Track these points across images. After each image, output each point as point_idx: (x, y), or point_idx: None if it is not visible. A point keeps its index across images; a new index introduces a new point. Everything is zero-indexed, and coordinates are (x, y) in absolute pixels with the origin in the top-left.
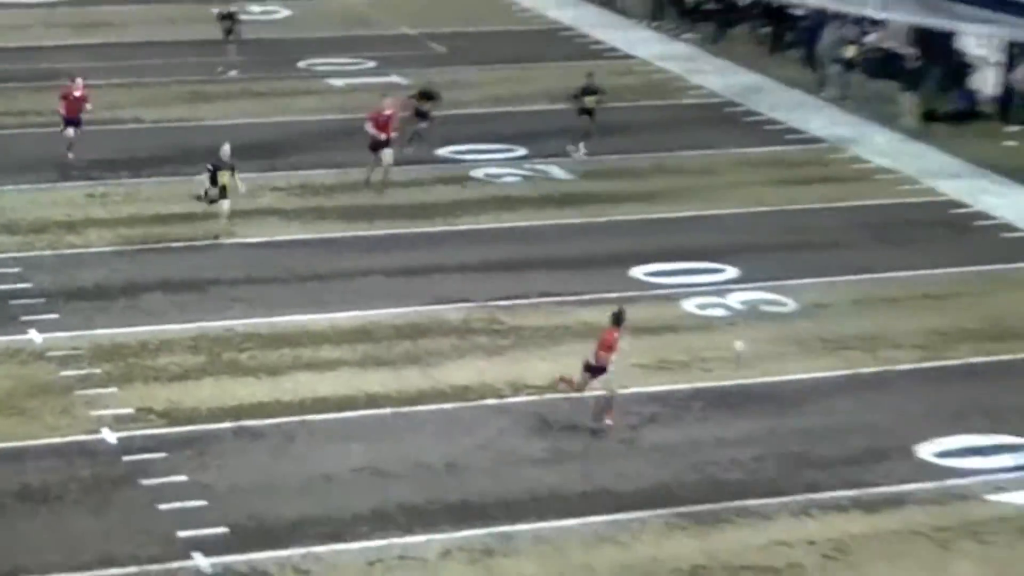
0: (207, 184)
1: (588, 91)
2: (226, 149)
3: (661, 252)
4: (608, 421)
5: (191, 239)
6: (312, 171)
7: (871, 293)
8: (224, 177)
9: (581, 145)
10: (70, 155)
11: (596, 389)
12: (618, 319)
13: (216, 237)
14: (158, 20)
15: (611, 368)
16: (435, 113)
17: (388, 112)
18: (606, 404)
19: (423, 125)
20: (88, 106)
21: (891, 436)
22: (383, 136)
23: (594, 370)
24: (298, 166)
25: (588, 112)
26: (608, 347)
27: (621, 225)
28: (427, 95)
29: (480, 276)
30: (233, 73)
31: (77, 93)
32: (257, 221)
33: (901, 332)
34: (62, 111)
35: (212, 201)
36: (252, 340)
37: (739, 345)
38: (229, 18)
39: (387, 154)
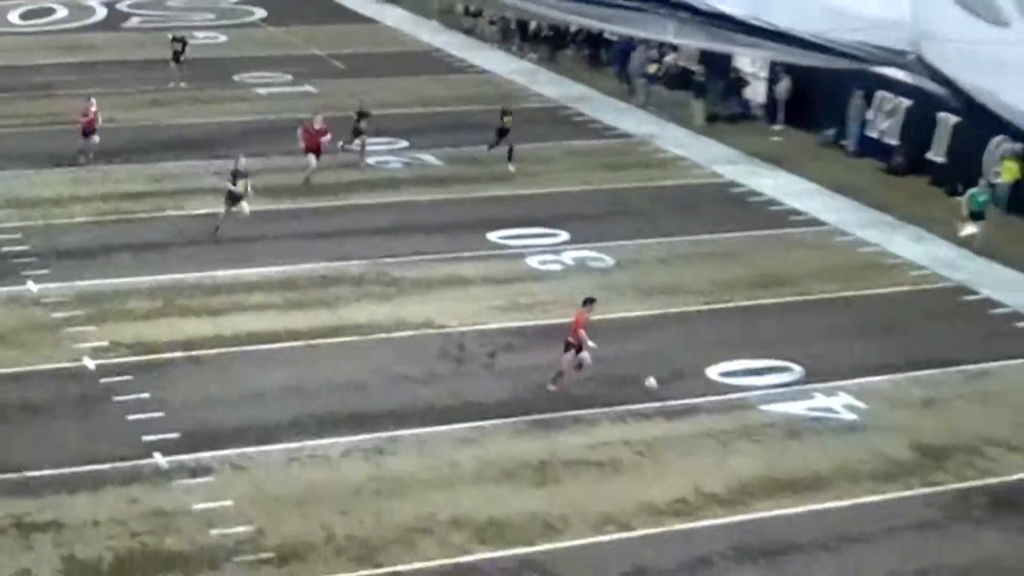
0: (230, 186)
1: (505, 112)
2: (243, 161)
3: (510, 220)
4: (552, 387)
5: (150, 211)
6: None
7: (671, 252)
8: (240, 184)
9: (510, 166)
10: (82, 159)
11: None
12: (589, 301)
13: (216, 230)
14: (127, 44)
15: (590, 343)
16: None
17: (318, 127)
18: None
19: (357, 142)
20: (99, 119)
21: (686, 361)
22: (311, 145)
23: (574, 347)
24: (230, 155)
25: (506, 131)
26: (580, 325)
27: (479, 200)
28: (363, 114)
29: (373, 239)
30: (183, 85)
31: (92, 110)
32: (200, 197)
33: (693, 281)
34: (81, 124)
35: (234, 200)
36: (198, 289)
37: (651, 381)
38: (180, 41)
39: (312, 159)
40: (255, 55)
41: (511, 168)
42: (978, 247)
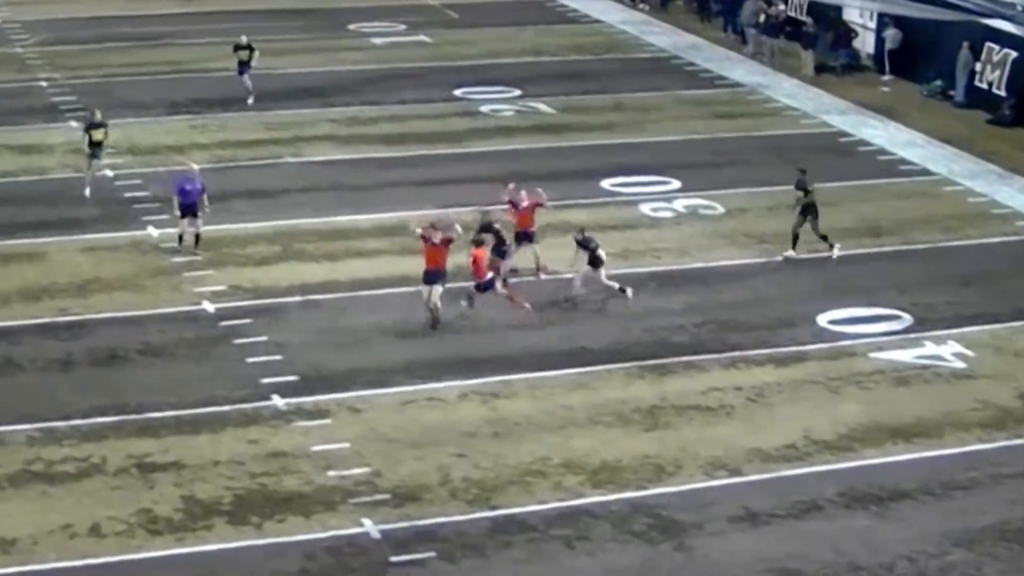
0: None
1: None
2: (98, 114)
3: (622, 168)
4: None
5: (267, 158)
6: (357, 107)
7: (780, 200)
8: (98, 134)
9: None
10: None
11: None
12: (479, 243)
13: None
14: None
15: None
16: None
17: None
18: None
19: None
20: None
21: (796, 308)
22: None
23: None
24: (347, 103)
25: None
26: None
27: (592, 148)
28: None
29: (486, 186)
30: (250, 102)
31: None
32: (316, 145)
33: (802, 230)
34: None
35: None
36: (314, 234)
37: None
38: (247, 49)
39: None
40: (369, 4)
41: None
42: None
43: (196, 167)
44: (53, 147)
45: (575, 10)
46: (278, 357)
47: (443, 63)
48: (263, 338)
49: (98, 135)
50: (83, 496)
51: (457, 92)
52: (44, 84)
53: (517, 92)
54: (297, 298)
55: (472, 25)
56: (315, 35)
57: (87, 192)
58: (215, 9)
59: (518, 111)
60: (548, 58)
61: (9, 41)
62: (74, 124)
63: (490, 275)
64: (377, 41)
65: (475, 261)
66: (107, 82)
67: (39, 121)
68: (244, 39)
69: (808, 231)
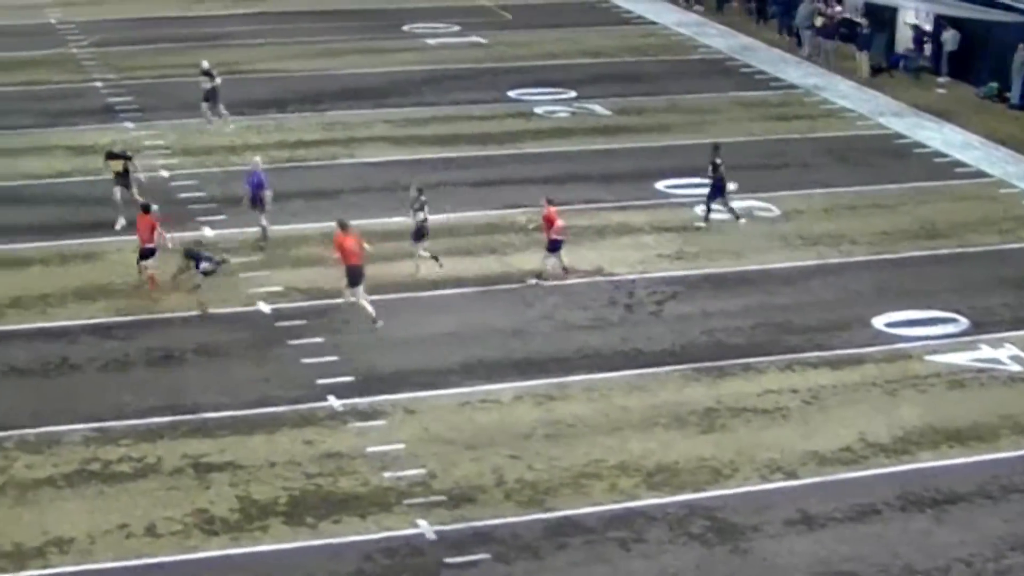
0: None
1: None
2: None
3: (676, 170)
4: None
5: (323, 159)
6: (412, 108)
7: (835, 202)
8: None
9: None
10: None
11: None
12: (343, 226)
13: None
14: None
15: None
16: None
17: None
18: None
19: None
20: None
21: (852, 311)
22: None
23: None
24: (402, 104)
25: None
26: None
27: (646, 150)
28: None
29: (540, 187)
30: (230, 127)
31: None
32: (370, 146)
33: (858, 232)
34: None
35: None
36: (369, 235)
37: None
38: (208, 75)
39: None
40: (424, 6)
41: None
42: None
43: (259, 160)
44: (108, 147)
45: (630, 11)
46: (334, 358)
47: (497, 64)
48: (319, 339)
49: (117, 166)
50: (139, 496)
51: (511, 93)
52: (99, 85)
53: (572, 93)
54: (352, 299)
55: (527, 26)
56: (370, 36)
57: (120, 224)
58: (270, 10)
59: (573, 113)
60: (603, 59)
61: (65, 42)
62: (129, 125)
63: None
64: (431, 42)
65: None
66: (162, 83)
67: (94, 122)
68: (205, 63)
69: None
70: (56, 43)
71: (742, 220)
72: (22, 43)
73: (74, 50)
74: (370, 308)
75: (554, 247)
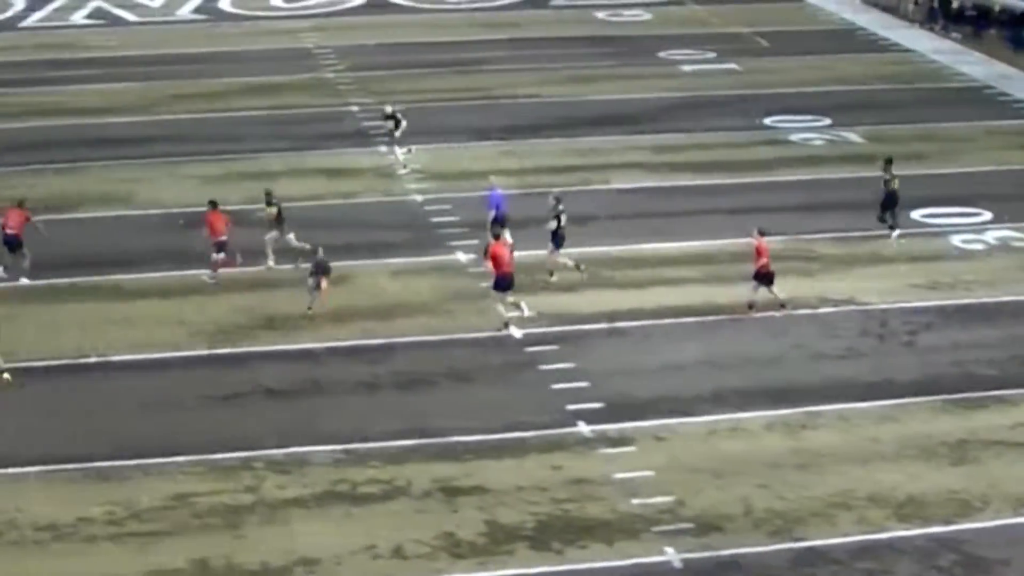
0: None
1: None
2: None
3: (932, 199)
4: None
5: (576, 184)
6: (667, 135)
7: None
8: None
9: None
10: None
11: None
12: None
13: None
14: (552, 21)
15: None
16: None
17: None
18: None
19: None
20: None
21: None
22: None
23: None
24: (656, 131)
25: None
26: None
27: (902, 179)
28: None
29: (794, 215)
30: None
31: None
32: (624, 172)
33: None
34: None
35: None
36: (621, 262)
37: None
38: (392, 118)
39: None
40: (679, 32)
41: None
42: None
43: (493, 180)
44: (363, 171)
45: (885, 39)
46: (584, 384)
47: (753, 91)
48: (569, 364)
49: (271, 211)
50: (387, 518)
51: (766, 120)
52: (355, 109)
53: (827, 121)
54: (603, 325)
55: (782, 53)
56: (625, 62)
57: (269, 263)
58: (527, 36)
59: (828, 140)
60: (858, 87)
61: (321, 67)
62: (383, 149)
63: None
64: (687, 68)
65: None
66: (417, 108)
67: (349, 145)
68: (389, 108)
69: None
70: (312, 67)
71: (895, 232)
72: (281, 67)
73: (330, 75)
74: (505, 313)
75: (763, 278)
